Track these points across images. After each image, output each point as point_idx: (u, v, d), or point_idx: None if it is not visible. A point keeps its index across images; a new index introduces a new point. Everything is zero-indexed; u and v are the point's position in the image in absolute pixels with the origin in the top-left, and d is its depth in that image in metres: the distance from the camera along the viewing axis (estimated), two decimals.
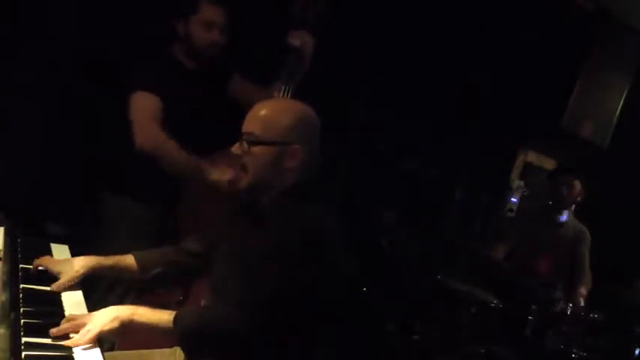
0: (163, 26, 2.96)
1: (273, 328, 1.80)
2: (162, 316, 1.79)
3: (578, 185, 4.11)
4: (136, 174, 2.84)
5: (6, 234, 2.17)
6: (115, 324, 1.72)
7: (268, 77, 3.06)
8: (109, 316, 1.73)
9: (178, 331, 1.77)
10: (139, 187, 2.85)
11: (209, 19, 2.85)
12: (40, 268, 2.04)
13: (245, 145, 1.95)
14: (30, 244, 2.23)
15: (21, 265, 2.04)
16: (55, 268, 2.03)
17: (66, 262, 2.07)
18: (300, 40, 2.93)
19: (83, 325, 1.69)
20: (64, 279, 1.99)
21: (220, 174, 2.63)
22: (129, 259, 2.15)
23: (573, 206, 4.21)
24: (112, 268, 2.12)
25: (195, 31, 2.85)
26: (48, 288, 1.95)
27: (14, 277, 1.90)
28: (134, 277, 2.16)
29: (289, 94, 2.95)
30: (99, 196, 2.92)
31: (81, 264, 2.05)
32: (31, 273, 2.02)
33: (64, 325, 1.68)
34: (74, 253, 2.28)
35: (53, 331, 1.64)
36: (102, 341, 1.71)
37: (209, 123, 2.86)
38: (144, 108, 2.72)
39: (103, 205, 2.91)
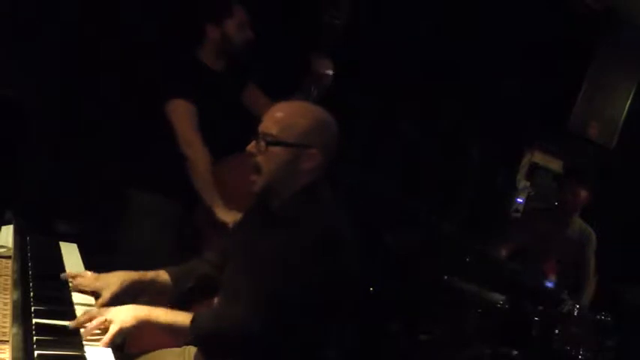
0: (188, 30, 3.01)
1: (286, 328, 1.80)
2: (178, 317, 1.81)
3: (584, 192, 4.10)
4: (159, 172, 2.93)
5: (15, 232, 2.18)
6: (133, 322, 1.73)
7: (282, 89, 3.09)
8: (127, 314, 1.74)
9: (195, 332, 1.79)
10: (162, 185, 2.92)
11: (243, 19, 2.99)
12: (80, 287, 1.98)
13: (262, 144, 1.92)
14: (39, 242, 2.23)
15: (30, 264, 2.03)
16: (95, 284, 1.98)
17: (104, 277, 2.01)
18: (324, 69, 3.02)
19: (102, 320, 1.69)
20: (106, 294, 1.95)
21: (226, 215, 2.71)
22: (164, 275, 2.12)
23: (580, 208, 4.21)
24: (150, 283, 2.09)
25: (232, 32, 2.97)
26: (57, 287, 1.95)
27: (24, 275, 1.89)
28: (168, 293, 2.13)
29: None
30: (123, 193, 2.96)
31: (122, 278, 2.01)
32: (71, 288, 1.97)
33: (82, 318, 1.69)
34: (82, 252, 2.29)
35: (72, 323, 1.65)
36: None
37: (232, 123, 2.91)
38: (187, 119, 2.85)
39: (127, 202, 2.97)
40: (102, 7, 3.37)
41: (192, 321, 1.79)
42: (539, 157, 5.15)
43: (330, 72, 3.02)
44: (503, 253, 4.25)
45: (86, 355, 1.56)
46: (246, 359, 1.86)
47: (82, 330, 1.66)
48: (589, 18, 4.72)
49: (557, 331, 3.61)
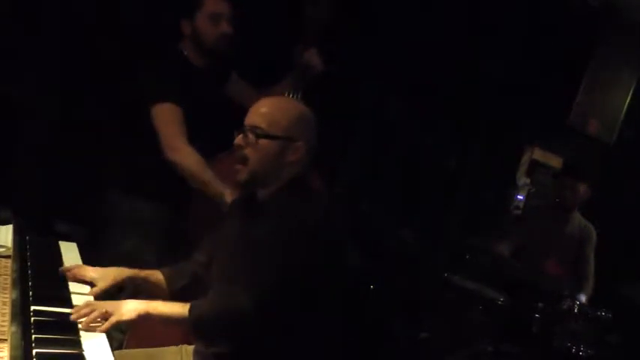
0: (170, 26, 2.96)
1: (279, 313, 1.85)
2: (175, 308, 1.87)
3: (582, 188, 4.09)
4: (146, 175, 2.85)
5: (15, 232, 2.18)
6: (133, 315, 1.81)
7: (267, 79, 3.08)
8: (126, 307, 1.81)
9: (192, 319, 1.84)
10: (149, 188, 2.85)
11: (215, 11, 2.83)
12: (77, 277, 2.05)
13: (251, 137, 2.00)
14: (39, 242, 2.24)
15: (30, 263, 2.03)
16: (89, 275, 2.06)
17: (101, 270, 2.10)
18: (311, 60, 2.97)
19: (103, 311, 1.76)
20: (100, 285, 2.03)
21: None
22: (158, 275, 2.19)
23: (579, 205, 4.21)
24: (143, 281, 2.16)
25: (202, 26, 2.83)
26: (56, 286, 1.96)
27: (24, 275, 1.90)
28: (161, 293, 2.17)
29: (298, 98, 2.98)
30: (108, 197, 2.92)
31: (116, 273, 2.09)
32: (66, 278, 2.04)
33: (84, 309, 1.76)
34: (82, 252, 2.30)
35: (73, 314, 1.73)
36: (111, 338, 1.73)
37: (219, 121, 2.87)
38: (170, 124, 2.75)
39: (113, 206, 2.91)
40: (100, 6, 3.38)
41: (190, 310, 1.84)
42: (539, 154, 5.15)
43: (318, 64, 2.98)
44: (504, 250, 4.25)
45: (85, 353, 1.56)
46: (243, 344, 1.90)
47: (81, 320, 1.73)
48: (588, 14, 4.71)
49: (558, 327, 3.61)
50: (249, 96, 2.91)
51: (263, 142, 1.99)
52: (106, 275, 2.06)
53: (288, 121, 2.02)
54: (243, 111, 2.10)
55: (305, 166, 2.07)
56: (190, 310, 1.84)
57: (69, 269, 2.08)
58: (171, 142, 2.73)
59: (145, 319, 1.83)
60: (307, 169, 2.09)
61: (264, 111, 2.04)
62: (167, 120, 2.75)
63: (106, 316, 1.76)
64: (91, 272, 2.07)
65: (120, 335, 2.63)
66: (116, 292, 2.08)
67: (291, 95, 2.97)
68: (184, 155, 2.72)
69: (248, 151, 2.00)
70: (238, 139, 2.03)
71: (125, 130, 2.98)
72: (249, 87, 3.10)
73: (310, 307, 1.94)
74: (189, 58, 2.90)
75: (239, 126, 2.04)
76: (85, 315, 1.74)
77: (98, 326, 1.73)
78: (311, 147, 2.06)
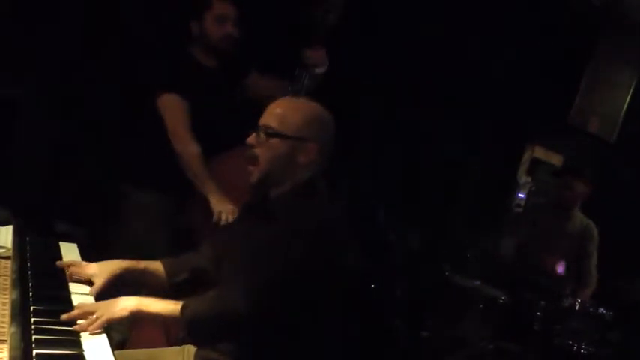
0: (179, 27, 3.03)
1: (277, 314, 1.83)
2: (169, 306, 1.82)
3: (581, 186, 4.10)
4: (154, 169, 2.91)
5: (15, 233, 2.17)
6: (124, 313, 1.76)
7: (283, 73, 3.10)
8: (118, 305, 1.77)
9: (185, 318, 1.80)
10: (157, 182, 2.90)
11: (221, 13, 2.94)
12: (75, 276, 2.02)
13: (262, 136, 1.98)
14: (39, 242, 2.23)
15: (30, 263, 2.03)
16: (87, 271, 2.03)
17: (97, 265, 2.06)
18: (317, 61, 2.99)
19: (93, 312, 1.72)
20: (99, 282, 1.99)
21: (222, 205, 2.69)
22: (157, 265, 2.15)
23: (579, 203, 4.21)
24: (142, 272, 2.12)
25: (209, 26, 2.94)
26: (56, 286, 1.95)
27: (24, 275, 1.89)
28: (161, 284, 2.14)
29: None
30: (117, 190, 2.95)
31: (114, 266, 2.05)
32: (66, 278, 2.00)
33: (74, 312, 1.72)
34: (83, 251, 2.29)
35: (64, 316, 1.68)
36: (112, 338, 1.72)
37: (228, 121, 2.91)
38: (177, 114, 2.85)
39: (122, 200, 2.95)
40: (100, 6, 3.39)
41: (183, 307, 1.80)
42: (540, 153, 5.16)
43: (324, 65, 3.00)
44: (505, 248, 4.26)
45: (85, 353, 1.56)
46: (238, 344, 1.89)
47: (81, 320, 1.70)
48: (589, 13, 4.71)
49: (558, 325, 3.61)
50: (270, 87, 2.97)
51: (273, 141, 1.97)
52: (103, 270, 2.02)
53: (300, 121, 1.98)
54: (252, 111, 2.10)
55: (318, 168, 2.02)
56: (183, 310, 1.80)
57: (65, 265, 2.04)
58: (176, 130, 2.82)
59: (137, 316, 1.80)
60: (321, 172, 2.04)
61: (278, 111, 2.01)
62: (173, 109, 2.84)
63: (97, 316, 1.71)
64: (88, 269, 2.03)
65: (122, 334, 2.64)
66: (118, 285, 2.03)
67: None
68: (186, 145, 2.81)
69: (258, 151, 1.98)
70: (251, 138, 2.01)
71: (127, 126, 3.01)
72: (269, 79, 3.13)
73: (311, 308, 1.91)
74: (198, 58, 2.98)
75: (253, 125, 2.02)
76: (76, 318, 1.70)
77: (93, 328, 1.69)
78: (325, 150, 2.02)
